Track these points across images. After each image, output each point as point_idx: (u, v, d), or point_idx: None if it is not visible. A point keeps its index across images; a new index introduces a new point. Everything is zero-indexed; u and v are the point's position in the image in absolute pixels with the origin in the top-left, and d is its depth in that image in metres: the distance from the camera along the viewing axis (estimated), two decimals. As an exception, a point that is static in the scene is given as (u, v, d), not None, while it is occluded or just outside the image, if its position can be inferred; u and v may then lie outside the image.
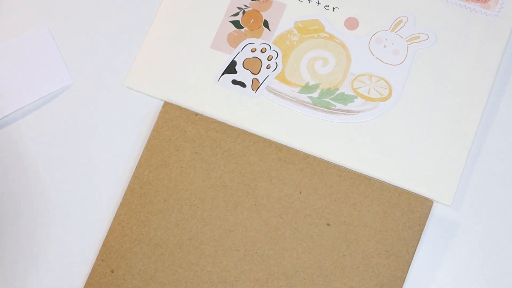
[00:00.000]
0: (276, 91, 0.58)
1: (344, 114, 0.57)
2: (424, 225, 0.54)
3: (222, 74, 0.58)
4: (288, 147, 0.56)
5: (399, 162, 0.56)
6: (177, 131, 0.56)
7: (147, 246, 0.54)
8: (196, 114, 0.56)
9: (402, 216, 0.54)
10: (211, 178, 0.55)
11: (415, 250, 0.53)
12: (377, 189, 0.55)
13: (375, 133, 0.56)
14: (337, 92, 0.57)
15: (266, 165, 0.55)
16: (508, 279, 0.54)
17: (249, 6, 0.59)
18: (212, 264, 0.54)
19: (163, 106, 0.57)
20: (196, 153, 0.56)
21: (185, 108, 0.57)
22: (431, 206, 0.54)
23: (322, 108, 0.57)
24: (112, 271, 0.54)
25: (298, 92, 0.57)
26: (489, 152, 0.56)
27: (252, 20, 0.59)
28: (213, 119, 0.56)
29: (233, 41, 0.59)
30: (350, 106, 0.57)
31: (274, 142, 0.56)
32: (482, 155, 0.56)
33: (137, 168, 0.56)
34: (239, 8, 0.59)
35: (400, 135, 0.56)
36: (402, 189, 0.54)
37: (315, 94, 0.57)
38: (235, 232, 0.54)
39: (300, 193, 0.55)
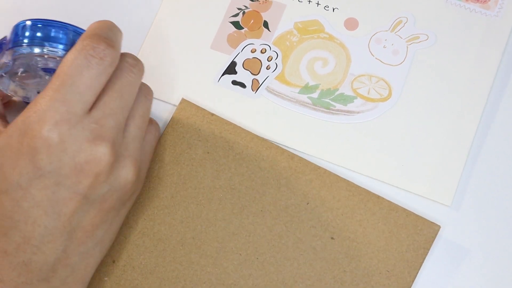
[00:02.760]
0: (276, 91, 0.58)
1: (344, 114, 0.57)
2: (429, 249, 0.53)
3: (222, 74, 0.58)
4: (299, 156, 0.55)
5: (399, 162, 0.55)
6: (192, 129, 0.56)
7: (150, 240, 0.55)
8: (212, 114, 0.57)
9: (408, 238, 0.53)
10: (220, 179, 0.55)
11: (417, 272, 0.53)
12: (385, 208, 0.54)
13: (374, 133, 0.56)
14: (336, 93, 0.57)
15: (276, 172, 0.55)
16: (508, 280, 0.53)
17: (249, 7, 0.60)
18: (212, 265, 0.54)
19: (180, 103, 0.57)
20: (208, 153, 0.56)
21: (201, 107, 0.57)
22: (438, 230, 0.53)
23: (321, 109, 0.57)
24: (114, 261, 0.55)
25: (298, 93, 0.58)
26: (489, 152, 0.55)
27: (252, 21, 0.59)
28: (228, 121, 0.57)
29: (233, 42, 0.59)
30: (349, 107, 0.57)
31: (286, 150, 0.56)
32: (482, 155, 0.55)
33: (148, 161, 0.56)
34: (239, 8, 0.60)
35: (399, 135, 0.56)
36: (410, 210, 0.54)
37: (315, 95, 0.57)
38: (239, 236, 0.54)
39: (307, 203, 0.55)
